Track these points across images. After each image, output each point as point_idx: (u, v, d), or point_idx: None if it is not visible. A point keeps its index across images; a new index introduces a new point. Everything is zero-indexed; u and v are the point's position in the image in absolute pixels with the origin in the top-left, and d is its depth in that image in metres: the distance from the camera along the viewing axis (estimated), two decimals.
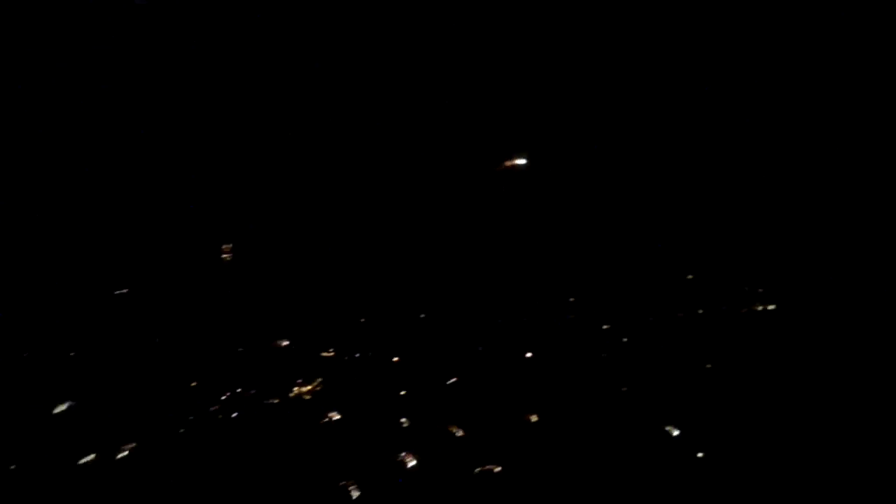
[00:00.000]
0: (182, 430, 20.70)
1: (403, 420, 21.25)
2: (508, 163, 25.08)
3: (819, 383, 23.27)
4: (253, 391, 22.69)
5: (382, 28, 24.84)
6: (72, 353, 23.81)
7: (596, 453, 20.70)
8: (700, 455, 20.09)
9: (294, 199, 26.18)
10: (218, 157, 25.48)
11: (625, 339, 24.54)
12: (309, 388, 22.92)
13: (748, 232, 25.26)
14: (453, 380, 22.50)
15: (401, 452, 20.84)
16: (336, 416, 21.85)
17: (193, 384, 22.62)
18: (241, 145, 25.34)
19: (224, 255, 25.92)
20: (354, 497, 19.98)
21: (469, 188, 26.51)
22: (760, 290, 25.07)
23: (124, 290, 24.52)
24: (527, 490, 20.24)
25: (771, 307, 24.76)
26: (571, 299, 26.48)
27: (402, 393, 22.36)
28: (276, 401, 22.30)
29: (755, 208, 25.23)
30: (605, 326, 25.42)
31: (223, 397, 22.16)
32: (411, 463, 20.87)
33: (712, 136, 25.34)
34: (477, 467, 20.50)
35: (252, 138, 25.27)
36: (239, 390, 22.56)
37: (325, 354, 24.37)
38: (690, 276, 25.68)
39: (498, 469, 20.06)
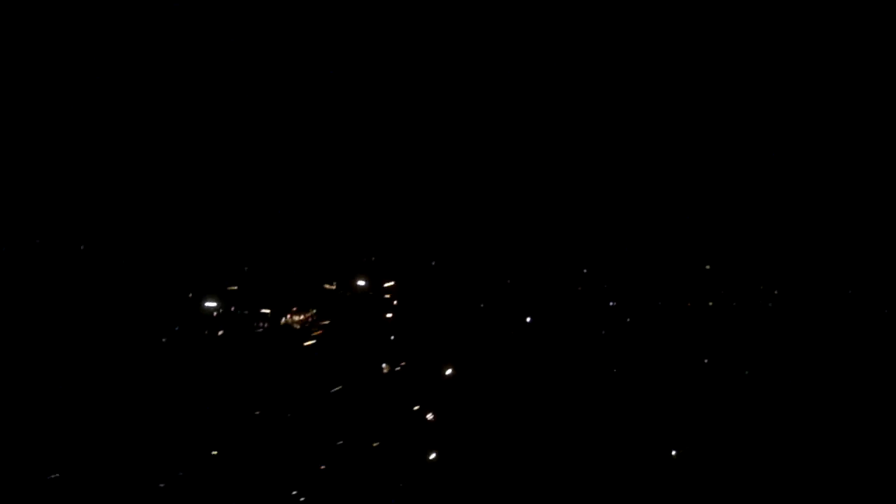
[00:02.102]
0: (164, 340, 20.58)
1: (384, 365, 21.05)
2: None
3: (822, 386, 22.79)
4: (245, 312, 22.51)
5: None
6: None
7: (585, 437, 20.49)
8: (673, 453, 19.75)
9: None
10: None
11: (628, 319, 24.06)
12: (301, 317, 22.71)
13: (773, 232, 24.46)
14: (446, 334, 22.04)
15: (381, 401, 20.67)
16: (320, 351, 21.64)
17: (190, 295, 22.40)
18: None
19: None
20: (332, 440, 19.91)
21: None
22: (776, 292, 24.36)
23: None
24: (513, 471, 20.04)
25: (782, 311, 24.11)
26: (585, 270, 25.93)
27: (392, 338, 22.13)
28: (264, 325, 22.13)
29: (780, 204, 24.41)
30: (611, 303, 24.90)
31: (214, 314, 22.01)
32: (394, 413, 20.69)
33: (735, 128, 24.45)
34: (462, 427, 20.33)
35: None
36: (232, 309, 22.40)
37: (326, 286, 24.04)
38: (708, 267, 25.02)
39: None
